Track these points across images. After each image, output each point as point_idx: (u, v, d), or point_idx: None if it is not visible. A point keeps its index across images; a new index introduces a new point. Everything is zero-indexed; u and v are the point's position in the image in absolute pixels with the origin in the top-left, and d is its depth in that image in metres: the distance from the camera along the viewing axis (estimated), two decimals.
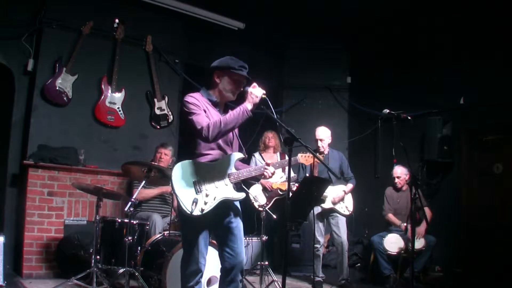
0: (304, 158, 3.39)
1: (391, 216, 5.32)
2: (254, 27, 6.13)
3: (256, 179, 2.93)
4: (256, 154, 5.58)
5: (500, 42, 5.29)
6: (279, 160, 5.57)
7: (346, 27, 6.24)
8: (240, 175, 2.75)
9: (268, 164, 2.82)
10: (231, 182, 2.72)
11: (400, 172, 5.36)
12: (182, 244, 2.76)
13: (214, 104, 2.81)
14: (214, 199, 2.65)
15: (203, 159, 2.70)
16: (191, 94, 2.77)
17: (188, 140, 2.75)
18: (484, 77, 5.38)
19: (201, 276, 2.73)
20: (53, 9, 4.97)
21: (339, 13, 5.84)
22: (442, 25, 5.77)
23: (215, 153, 2.74)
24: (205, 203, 2.61)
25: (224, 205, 2.72)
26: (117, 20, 5.32)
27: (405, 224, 5.08)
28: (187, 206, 2.57)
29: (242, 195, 2.78)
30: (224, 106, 2.89)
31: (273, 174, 2.81)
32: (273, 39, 6.64)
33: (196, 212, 2.57)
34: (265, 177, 2.84)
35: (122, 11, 5.41)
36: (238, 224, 2.79)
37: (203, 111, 2.69)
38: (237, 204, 2.84)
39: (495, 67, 5.31)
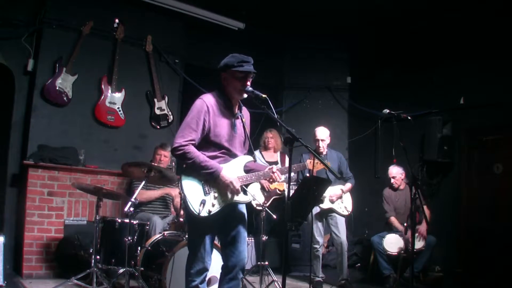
0: (311, 164, 3.42)
1: (393, 220, 5.29)
2: (254, 27, 6.14)
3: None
4: (257, 152, 5.54)
5: (500, 42, 5.28)
6: (279, 159, 5.56)
7: (346, 27, 6.24)
8: (248, 178, 2.76)
9: (273, 170, 2.80)
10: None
11: (395, 172, 5.36)
12: (188, 243, 2.77)
13: (228, 106, 2.80)
14: (222, 201, 2.68)
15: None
16: (204, 97, 2.74)
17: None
18: (484, 77, 5.38)
19: (206, 275, 2.74)
20: (53, 9, 4.97)
21: (339, 13, 5.85)
22: (442, 25, 5.77)
23: (223, 156, 2.74)
24: (213, 205, 2.63)
25: (231, 207, 2.75)
26: (117, 20, 5.31)
27: (405, 224, 5.07)
28: (194, 207, 2.59)
29: (249, 198, 2.80)
30: (238, 105, 2.86)
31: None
32: (273, 39, 6.65)
33: (203, 213, 2.59)
34: (273, 181, 2.82)
35: (122, 11, 5.41)
36: (243, 225, 2.82)
37: (203, 122, 2.66)
38: (243, 206, 2.86)
39: (495, 67, 5.31)
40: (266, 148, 5.59)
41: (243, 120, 2.88)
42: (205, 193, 2.65)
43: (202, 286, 2.71)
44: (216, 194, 2.67)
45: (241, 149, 2.86)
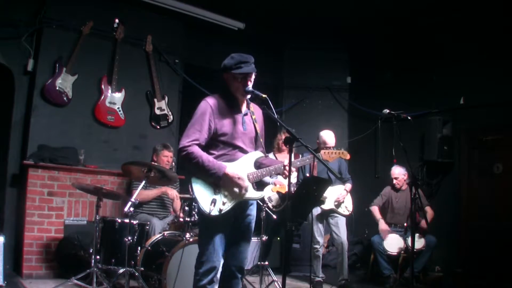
0: (325, 154, 3.29)
1: (374, 209, 5.38)
2: (254, 27, 6.14)
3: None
4: (271, 155, 5.51)
5: (500, 41, 5.29)
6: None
7: (346, 27, 6.24)
8: (259, 174, 2.73)
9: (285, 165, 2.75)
10: (250, 182, 2.71)
11: (398, 173, 5.35)
12: (198, 242, 2.74)
13: (234, 104, 2.79)
14: (232, 199, 2.66)
15: (221, 159, 2.69)
16: (208, 98, 2.75)
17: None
18: (484, 77, 5.38)
19: (216, 275, 2.68)
20: (53, 9, 4.97)
21: (339, 13, 5.85)
22: (442, 25, 5.77)
23: (233, 153, 2.73)
24: (223, 203, 2.62)
25: (242, 206, 2.74)
26: (117, 20, 5.32)
27: (405, 224, 5.07)
28: (205, 206, 2.58)
29: (260, 194, 2.78)
30: (246, 102, 2.83)
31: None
32: (273, 39, 6.65)
33: (214, 212, 2.58)
34: (286, 176, 2.75)
35: (122, 11, 5.41)
36: (250, 224, 2.81)
37: (209, 122, 2.65)
38: (253, 207, 2.84)
39: (495, 67, 5.31)
40: (279, 150, 5.50)
41: (253, 117, 2.85)
42: (216, 192, 2.63)
43: (210, 287, 2.65)
44: (226, 193, 2.65)
45: (252, 145, 2.84)
